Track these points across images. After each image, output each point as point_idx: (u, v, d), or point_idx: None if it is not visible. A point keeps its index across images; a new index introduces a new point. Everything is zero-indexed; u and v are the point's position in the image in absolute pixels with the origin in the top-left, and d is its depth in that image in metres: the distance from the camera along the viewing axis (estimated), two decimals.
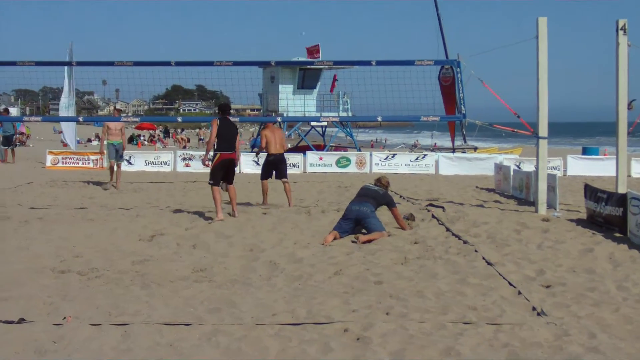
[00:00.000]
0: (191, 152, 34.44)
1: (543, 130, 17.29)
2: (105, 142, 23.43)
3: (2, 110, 52.58)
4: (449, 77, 45.56)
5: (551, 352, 7.34)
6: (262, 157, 20.75)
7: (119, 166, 23.66)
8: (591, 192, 15.90)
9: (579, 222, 15.90)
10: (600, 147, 49.74)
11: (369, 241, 13.40)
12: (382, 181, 15.08)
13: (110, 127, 23.22)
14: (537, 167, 17.86)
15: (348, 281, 10.45)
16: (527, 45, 17.56)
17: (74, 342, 7.51)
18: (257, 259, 12.05)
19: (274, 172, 19.27)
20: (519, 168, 24.40)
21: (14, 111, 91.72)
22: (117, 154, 23.43)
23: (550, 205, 17.65)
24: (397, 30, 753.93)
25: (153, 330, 7.90)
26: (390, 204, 14.80)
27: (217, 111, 16.84)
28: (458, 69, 18.68)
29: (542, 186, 17.34)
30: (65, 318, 8.30)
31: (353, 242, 13.47)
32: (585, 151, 41.74)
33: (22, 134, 52.34)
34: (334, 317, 8.45)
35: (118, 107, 26.02)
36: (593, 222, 15.55)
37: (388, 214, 14.92)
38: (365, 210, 14.05)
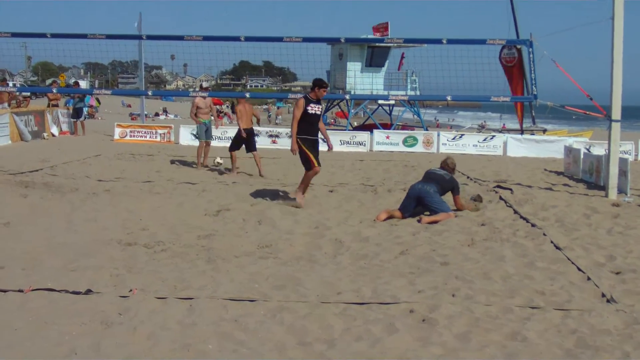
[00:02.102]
0: (257, 128, 34.40)
1: (616, 113, 16.97)
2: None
3: (72, 84, 53.32)
4: (513, 58, 44.91)
5: (621, 339, 7.19)
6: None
7: (208, 144, 22.87)
8: None
9: None
10: None
11: (433, 222, 13.29)
12: (448, 163, 14.83)
13: (200, 105, 22.25)
14: (608, 151, 17.53)
15: (414, 261, 10.38)
16: (601, 26, 17.24)
17: (139, 314, 7.56)
18: (322, 236, 12.03)
19: (244, 144, 20.80)
20: (589, 151, 23.95)
21: (83, 84, 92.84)
22: (208, 133, 22.70)
23: (621, 190, 17.35)
24: (466, 9, 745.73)
25: (218, 305, 7.92)
26: (455, 190, 14.51)
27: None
28: (530, 49, 18.40)
29: (613, 170, 17.04)
30: (131, 290, 8.36)
31: (418, 222, 13.39)
32: None
33: (91, 106, 52.95)
34: (399, 298, 8.38)
35: (205, 85, 24.96)
36: None
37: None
38: (427, 189, 13.90)
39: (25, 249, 10.44)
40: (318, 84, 15.10)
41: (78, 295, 8.15)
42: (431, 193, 13.86)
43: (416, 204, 13.98)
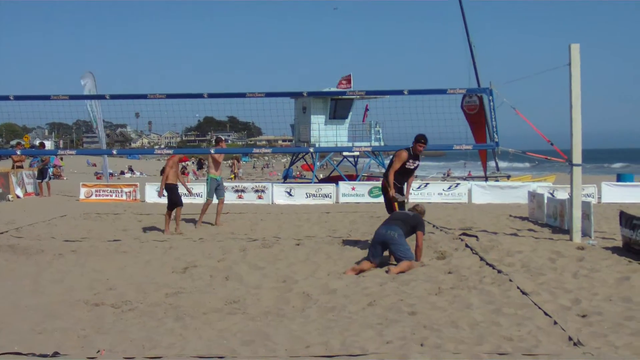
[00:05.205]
0: (224, 184, 34.27)
1: (577, 158, 17.16)
2: (207, 177, 22.23)
3: (38, 145, 53.16)
4: (475, 106, 45.44)
5: None
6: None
7: (222, 201, 22.30)
8: (627, 219, 15.74)
9: (614, 250, 15.72)
10: (636, 175, 49.20)
11: (401, 272, 13.32)
12: (417, 208, 15.06)
13: (218, 160, 21.96)
14: (571, 195, 17.70)
15: (382, 312, 10.40)
16: (559, 71, 17.44)
17: None
18: (290, 290, 12.03)
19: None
20: (553, 196, 24.14)
21: (48, 144, 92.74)
22: (219, 189, 22.15)
23: (585, 233, 17.48)
24: (427, 59, 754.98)
25: None
26: (419, 226, 14.48)
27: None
28: (490, 97, 18.57)
29: (577, 214, 17.19)
30: (99, 351, 8.32)
31: (386, 272, 13.43)
32: (620, 178, 41.37)
33: (56, 166, 52.74)
34: (368, 349, 8.39)
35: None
36: (629, 249, 15.37)
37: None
38: (392, 234, 13.90)
39: None
40: (418, 138, 16.02)
41: (45, 358, 8.10)
42: (396, 238, 13.85)
43: (383, 249, 14.01)
